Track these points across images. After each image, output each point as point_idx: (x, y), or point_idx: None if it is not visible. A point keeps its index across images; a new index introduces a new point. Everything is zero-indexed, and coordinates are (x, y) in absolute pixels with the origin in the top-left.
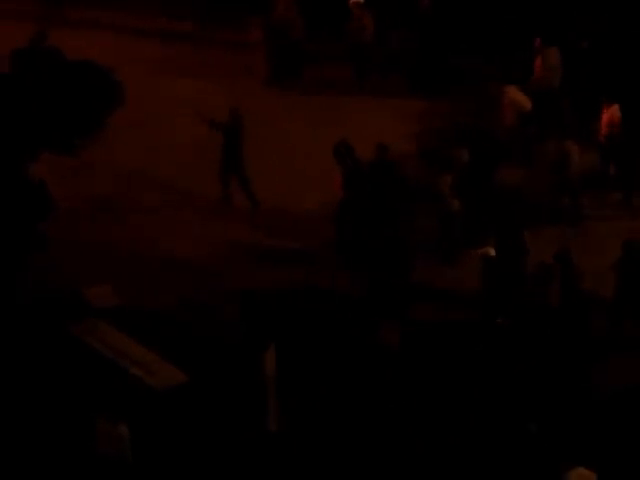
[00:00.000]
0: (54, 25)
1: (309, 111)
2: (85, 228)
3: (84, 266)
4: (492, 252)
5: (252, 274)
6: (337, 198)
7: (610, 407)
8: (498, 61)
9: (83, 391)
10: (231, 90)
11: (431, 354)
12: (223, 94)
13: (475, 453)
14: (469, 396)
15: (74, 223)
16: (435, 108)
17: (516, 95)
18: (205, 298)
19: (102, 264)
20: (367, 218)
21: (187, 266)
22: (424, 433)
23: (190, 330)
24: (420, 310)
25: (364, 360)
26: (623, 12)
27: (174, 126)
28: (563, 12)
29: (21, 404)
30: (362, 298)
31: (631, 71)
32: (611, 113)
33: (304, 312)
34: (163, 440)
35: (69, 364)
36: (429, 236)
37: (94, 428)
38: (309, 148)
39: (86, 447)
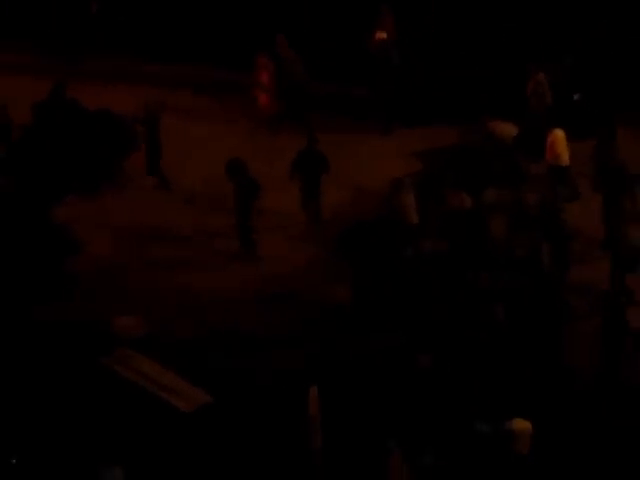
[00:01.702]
0: (73, 77)
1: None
2: (113, 266)
3: (114, 300)
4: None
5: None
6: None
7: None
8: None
9: (112, 418)
10: (242, 131)
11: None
12: (234, 135)
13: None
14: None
15: (103, 262)
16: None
17: (503, 127)
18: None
19: (131, 298)
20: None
21: (216, 301)
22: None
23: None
24: None
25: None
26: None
27: (187, 168)
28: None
29: (54, 432)
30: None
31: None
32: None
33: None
34: (191, 461)
35: (100, 393)
36: None
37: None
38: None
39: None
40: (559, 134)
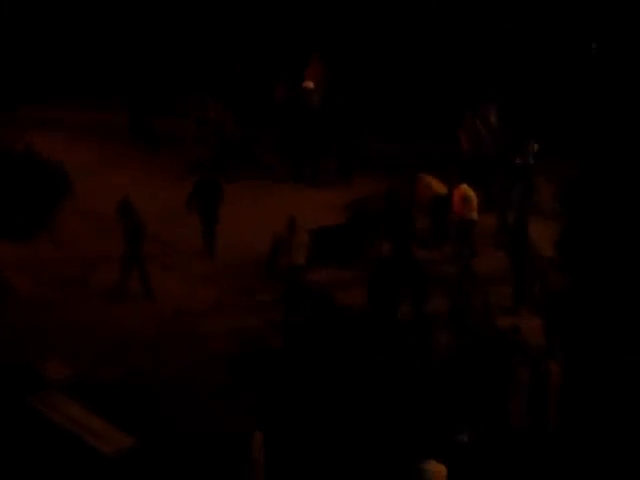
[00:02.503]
0: (6, 124)
1: (247, 197)
2: (40, 310)
3: (39, 343)
4: None
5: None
6: None
7: None
8: (416, 147)
9: (37, 459)
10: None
11: None
12: (157, 185)
13: None
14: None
15: (31, 306)
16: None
17: (432, 181)
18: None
19: (55, 341)
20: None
21: (139, 340)
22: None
23: (141, 399)
24: None
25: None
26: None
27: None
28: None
29: None
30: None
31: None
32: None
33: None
34: None
35: (26, 433)
36: None
37: None
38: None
39: None
40: (469, 190)
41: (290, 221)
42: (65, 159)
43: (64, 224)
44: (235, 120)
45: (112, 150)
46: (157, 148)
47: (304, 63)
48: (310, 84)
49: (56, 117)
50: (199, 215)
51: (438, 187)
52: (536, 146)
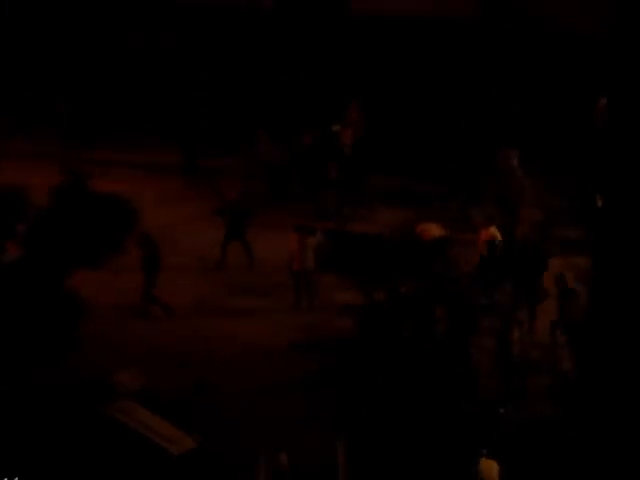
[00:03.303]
0: (83, 164)
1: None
2: (115, 327)
3: (115, 357)
4: None
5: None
6: None
7: None
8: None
9: (112, 459)
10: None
11: None
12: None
13: None
14: None
15: (107, 323)
16: None
17: (429, 226)
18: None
19: (129, 354)
20: None
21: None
22: None
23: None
24: None
25: None
26: None
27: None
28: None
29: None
30: None
31: None
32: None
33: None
34: None
35: (103, 437)
36: None
37: None
38: None
39: None
40: (497, 232)
41: (296, 228)
42: (132, 195)
43: (132, 251)
44: (282, 155)
45: (170, 187)
46: (212, 182)
47: (337, 107)
48: (337, 127)
49: (120, 158)
50: (225, 229)
51: (436, 231)
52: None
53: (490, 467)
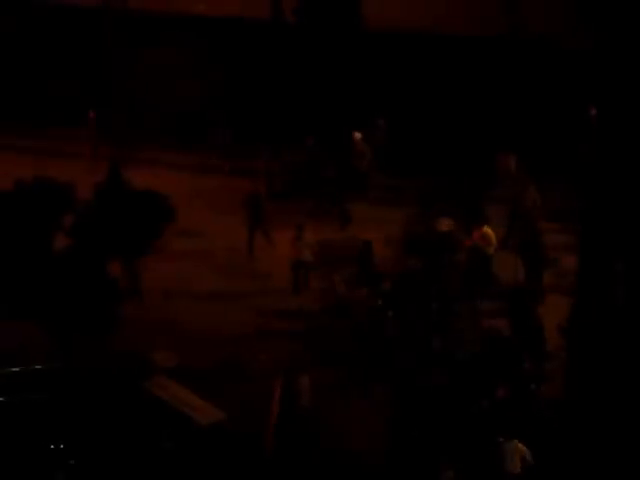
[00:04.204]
0: (126, 163)
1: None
2: (151, 309)
3: (154, 337)
4: None
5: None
6: None
7: None
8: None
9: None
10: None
11: None
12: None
13: None
14: None
15: (148, 308)
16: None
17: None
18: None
19: (167, 335)
20: None
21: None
22: None
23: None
24: None
25: None
26: None
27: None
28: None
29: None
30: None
31: None
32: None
33: None
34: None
35: (140, 409)
36: None
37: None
38: None
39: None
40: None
41: (298, 228)
42: (169, 190)
43: (169, 243)
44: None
45: (202, 184)
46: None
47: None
48: (358, 135)
49: (155, 157)
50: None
51: (447, 224)
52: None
53: (516, 449)
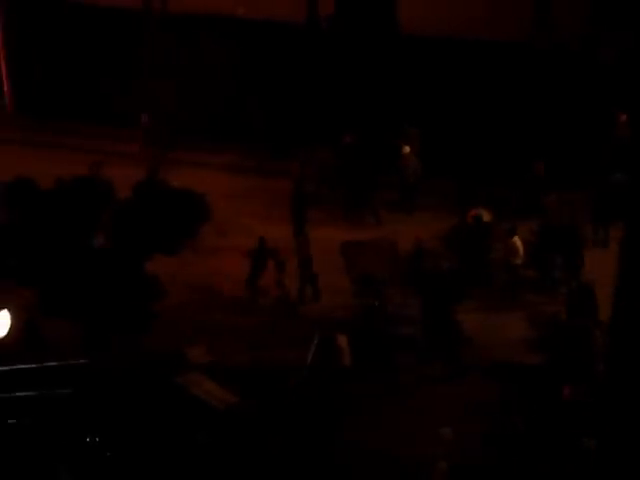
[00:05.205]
0: (164, 164)
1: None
2: (187, 309)
3: (187, 335)
4: None
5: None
6: None
7: None
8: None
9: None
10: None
11: None
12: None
13: None
14: None
15: (180, 306)
16: None
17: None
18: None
19: (199, 333)
20: None
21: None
22: None
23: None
24: None
25: None
26: None
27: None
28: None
29: (139, 429)
30: None
31: None
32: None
33: None
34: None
35: (172, 402)
36: None
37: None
38: None
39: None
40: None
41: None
42: (204, 190)
43: (204, 241)
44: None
45: (239, 184)
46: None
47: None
48: (407, 148)
49: (193, 158)
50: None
51: (485, 216)
52: None
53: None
